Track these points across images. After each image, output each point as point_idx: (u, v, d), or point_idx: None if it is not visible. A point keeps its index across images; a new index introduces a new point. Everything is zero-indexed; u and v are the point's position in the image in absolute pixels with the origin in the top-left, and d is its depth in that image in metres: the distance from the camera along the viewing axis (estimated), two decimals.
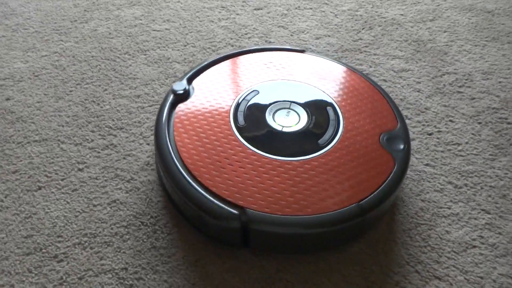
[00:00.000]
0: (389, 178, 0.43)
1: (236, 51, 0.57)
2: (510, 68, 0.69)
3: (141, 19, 0.73)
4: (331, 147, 0.45)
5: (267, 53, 0.58)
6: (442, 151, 0.56)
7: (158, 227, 0.46)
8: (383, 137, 0.46)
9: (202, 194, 0.40)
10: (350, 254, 0.45)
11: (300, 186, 0.42)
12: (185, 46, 0.68)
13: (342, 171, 0.43)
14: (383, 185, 0.43)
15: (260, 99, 0.51)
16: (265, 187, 0.41)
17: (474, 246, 0.47)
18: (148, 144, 0.54)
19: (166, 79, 0.63)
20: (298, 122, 0.48)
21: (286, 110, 0.49)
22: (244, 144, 0.45)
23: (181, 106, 0.49)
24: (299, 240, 0.41)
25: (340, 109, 0.50)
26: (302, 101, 0.51)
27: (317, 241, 0.42)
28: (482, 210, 0.51)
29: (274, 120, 0.48)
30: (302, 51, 0.58)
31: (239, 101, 0.50)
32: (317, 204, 0.40)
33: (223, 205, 0.40)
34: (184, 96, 0.50)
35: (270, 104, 0.50)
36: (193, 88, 0.51)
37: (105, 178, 0.50)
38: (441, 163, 0.55)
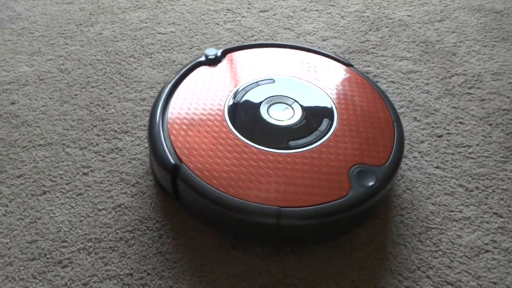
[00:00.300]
0: (326, 204, 0.41)
1: (285, 43, 0.59)
2: None
3: (146, 22, 0.73)
4: (297, 151, 0.45)
5: (311, 54, 0.58)
6: (452, 154, 0.55)
7: (164, 232, 0.45)
8: (356, 168, 0.44)
9: (160, 140, 0.44)
10: (359, 258, 0.44)
11: (240, 169, 0.42)
12: (190, 49, 0.68)
13: (288, 176, 0.42)
14: (315, 206, 0.40)
15: (269, 88, 0.52)
16: (211, 155, 0.43)
17: (487, 251, 0.46)
18: None
19: None
20: (287, 119, 0.48)
21: (285, 106, 0.50)
22: (224, 116, 0.47)
23: (201, 69, 0.53)
24: (210, 214, 0.42)
25: (336, 125, 0.48)
26: (306, 104, 0.51)
27: (227, 223, 0.42)
28: (494, 213, 0.50)
29: (267, 109, 0.49)
30: (348, 65, 0.57)
31: (250, 83, 0.52)
32: (241, 190, 0.40)
33: (167, 153, 0.43)
34: (213, 61, 0.54)
35: (275, 95, 0.51)
36: (224, 59, 0.55)
37: (110, 182, 0.49)
38: (451, 166, 0.54)
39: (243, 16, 0.75)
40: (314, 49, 0.59)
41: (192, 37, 0.70)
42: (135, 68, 0.64)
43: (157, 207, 0.47)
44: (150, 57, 0.66)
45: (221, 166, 0.42)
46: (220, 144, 0.44)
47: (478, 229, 0.48)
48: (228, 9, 0.77)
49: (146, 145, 0.54)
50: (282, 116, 0.49)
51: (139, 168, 0.51)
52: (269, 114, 0.48)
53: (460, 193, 0.51)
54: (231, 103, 0.49)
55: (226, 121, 0.47)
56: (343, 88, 0.54)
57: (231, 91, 0.50)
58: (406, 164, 0.54)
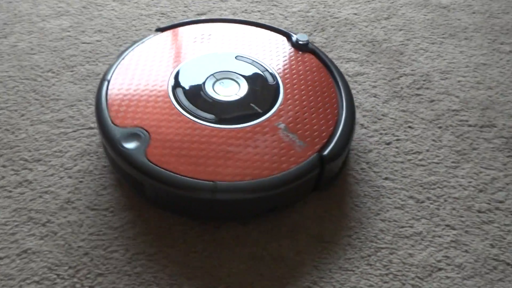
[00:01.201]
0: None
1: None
2: (469, 66, 0.65)
3: (69, 31, 0.66)
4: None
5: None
6: (401, 162, 0.52)
7: (78, 279, 0.39)
8: (133, 130, 0.44)
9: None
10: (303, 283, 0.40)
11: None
12: None
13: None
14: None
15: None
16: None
17: (440, 269, 0.43)
18: (70, 177, 0.47)
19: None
20: (224, 96, 0.49)
21: (236, 85, 0.50)
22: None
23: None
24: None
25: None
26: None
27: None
28: (447, 225, 0.46)
29: (215, 80, 0.50)
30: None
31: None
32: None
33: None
34: (303, 46, 0.55)
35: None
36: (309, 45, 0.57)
37: (15, 223, 0.42)
38: (401, 176, 0.51)
39: (179, 21, 0.69)
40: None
41: (120, 45, 0.64)
42: (53, 84, 0.57)
43: (70, 249, 0.41)
44: (72, 71, 0.59)
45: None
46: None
47: (430, 245, 0.45)
48: (162, 13, 0.71)
49: (62, 174, 0.47)
50: (223, 90, 0.49)
51: (52, 203, 0.44)
52: (211, 86, 0.49)
53: (410, 205, 0.48)
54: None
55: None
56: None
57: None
58: (354, 177, 0.50)
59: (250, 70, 0.52)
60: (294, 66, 0.53)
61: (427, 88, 0.62)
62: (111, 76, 0.49)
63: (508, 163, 0.53)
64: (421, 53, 0.67)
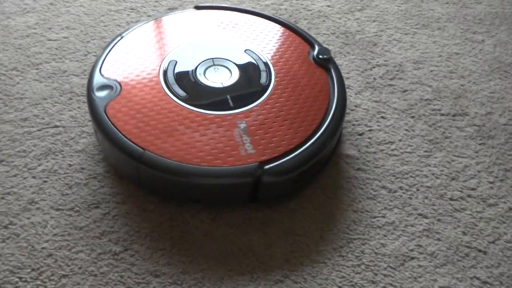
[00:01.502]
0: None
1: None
2: (441, 55, 0.65)
3: (35, 28, 0.64)
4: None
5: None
6: (374, 152, 0.52)
7: (41, 281, 0.37)
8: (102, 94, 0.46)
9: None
10: (273, 283, 0.39)
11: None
12: (85, 56, 0.60)
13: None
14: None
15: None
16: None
17: (412, 258, 0.43)
18: (34, 177, 0.45)
19: (61, 96, 0.54)
20: (210, 81, 0.48)
21: (228, 75, 0.49)
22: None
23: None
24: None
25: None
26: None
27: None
28: (419, 214, 0.46)
29: (211, 65, 0.50)
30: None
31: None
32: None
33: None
34: (325, 61, 0.53)
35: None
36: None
37: None
38: (373, 166, 0.50)
39: (149, 16, 0.68)
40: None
41: (88, 42, 0.62)
42: (18, 83, 0.55)
43: (34, 251, 0.39)
44: (37, 68, 0.57)
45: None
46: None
47: (403, 235, 0.44)
48: (132, 8, 0.69)
49: (25, 174, 0.46)
50: (214, 76, 0.49)
51: (14, 204, 0.43)
52: (202, 72, 0.49)
53: (383, 195, 0.48)
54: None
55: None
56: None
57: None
58: (326, 169, 0.49)
59: (249, 66, 0.51)
60: (297, 75, 0.51)
61: (400, 79, 0.62)
62: (127, 34, 0.52)
63: (480, 150, 0.53)
64: (394, 43, 0.67)
